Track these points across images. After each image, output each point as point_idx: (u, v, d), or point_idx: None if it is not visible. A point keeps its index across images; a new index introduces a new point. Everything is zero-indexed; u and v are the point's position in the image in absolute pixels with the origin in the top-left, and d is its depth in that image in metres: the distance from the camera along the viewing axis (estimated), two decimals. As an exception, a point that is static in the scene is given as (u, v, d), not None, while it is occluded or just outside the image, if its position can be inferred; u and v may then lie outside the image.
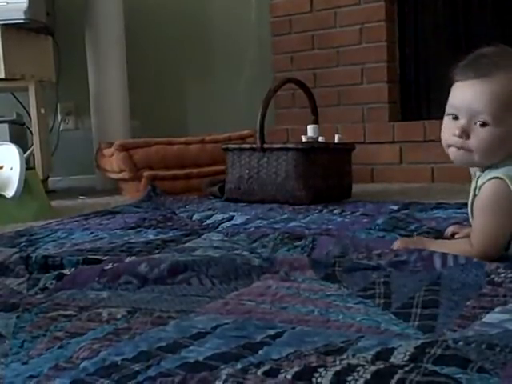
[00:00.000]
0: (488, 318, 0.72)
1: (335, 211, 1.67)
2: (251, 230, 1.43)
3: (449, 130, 1.03)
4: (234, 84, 3.21)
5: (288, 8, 3.08)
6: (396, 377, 0.55)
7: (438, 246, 1.06)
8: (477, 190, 1.01)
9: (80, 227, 1.57)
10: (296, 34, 3.06)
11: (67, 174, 3.16)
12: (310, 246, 1.17)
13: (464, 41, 2.81)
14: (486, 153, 0.99)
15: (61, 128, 3.29)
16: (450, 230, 1.24)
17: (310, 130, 2.06)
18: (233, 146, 2.06)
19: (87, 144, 2.96)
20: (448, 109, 1.04)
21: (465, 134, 0.99)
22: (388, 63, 2.86)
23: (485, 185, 0.99)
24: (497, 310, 0.75)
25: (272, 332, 0.70)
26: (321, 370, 0.58)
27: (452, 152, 1.03)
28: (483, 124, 0.98)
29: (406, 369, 0.57)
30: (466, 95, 1.00)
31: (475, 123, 0.99)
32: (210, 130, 2.76)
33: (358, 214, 1.61)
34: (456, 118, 1.02)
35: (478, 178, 1.02)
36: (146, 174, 2.31)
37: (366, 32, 2.88)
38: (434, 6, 2.86)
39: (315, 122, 2.10)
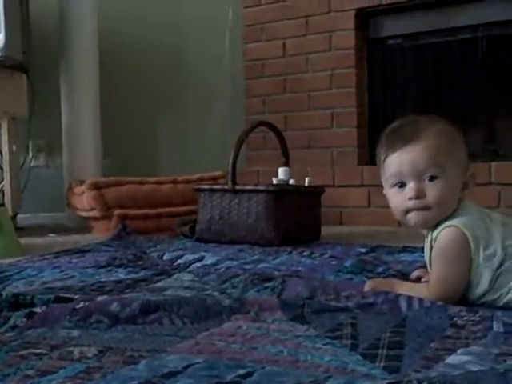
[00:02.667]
0: (451, 359, 0.75)
1: (304, 253, 1.69)
2: (222, 270, 1.45)
3: (401, 199, 1.06)
4: (206, 125, 3.25)
5: (261, 52, 3.15)
6: (362, 416, 0.58)
7: (405, 288, 1.09)
8: (433, 242, 1.05)
9: (50, 265, 1.56)
10: (268, 78, 3.13)
11: (37, 211, 3.14)
12: (280, 287, 1.19)
13: (431, 87, 2.92)
14: (443, 204, 1.04)
15: (31, 165, 3.28)
16: (415, 274, 1.27)
17: (281, 172, 2.10)
18: (204, 186, 2.09)
19: (58, 181, 2.96)
20: (390, 180, 1.08)
21: (421, 193, 1.04)
22: (357, 108, 2.94)
23: (441, 233, 1.03)
24: (459, 351, 0.77)
25: (242, 372, 0.72)
26: (290, 408, 0.60)
27: (412, 217, 1.06)
28: (432, 178, 1.03)
29: (372, 408, 0.59)
30: (405, 161, 1.05)
31: (424, 181, 1.04)
32: (181, 170, 2.78)
33: (326, 256, 1.64)
34: (402, 185, 1.06)
35: (432, 232, 1.06)
36: (116, 212, 2.32)
37: (336, 77, 2.97)
38: (402, 53, 2.97)
39: (286, 164, 2.15)
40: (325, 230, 2.16)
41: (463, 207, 1.06)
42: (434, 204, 1.04)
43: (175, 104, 3.36)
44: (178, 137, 3.32)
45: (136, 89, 3.34)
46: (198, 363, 0.75)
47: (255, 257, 1.66)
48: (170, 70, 3.34)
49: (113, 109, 3.18)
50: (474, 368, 0.71)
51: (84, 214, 2.51)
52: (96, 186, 2.35)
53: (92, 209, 2.38)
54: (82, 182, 2.48)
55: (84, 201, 2.41)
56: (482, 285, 1.02)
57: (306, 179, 2.11)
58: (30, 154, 3.32)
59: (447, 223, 1.03)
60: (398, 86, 2.99)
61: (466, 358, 0.75)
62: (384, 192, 1.13)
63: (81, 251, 1.82)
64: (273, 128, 2.16)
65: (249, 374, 0.71)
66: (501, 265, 1.01)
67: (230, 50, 3.26)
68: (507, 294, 1.01)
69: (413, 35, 2.91)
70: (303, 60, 3.05)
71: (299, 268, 1.47)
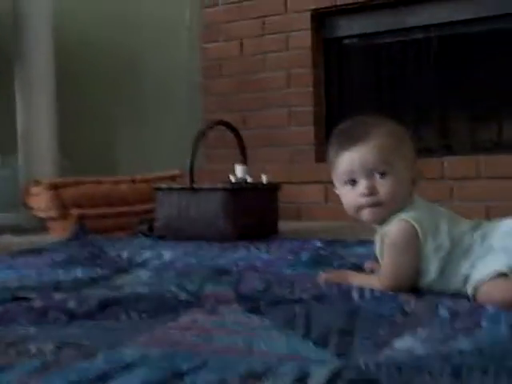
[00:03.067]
0: (398, 344, 0.78)
1: (262, 248, 1.72)
2: (180, 266, 1.46)
3: (353, 196, 1.10)
4: (164, 124, 3.25)
5: (219, 52, 3.17)
6: (311, 397, 0.60)
7: (358, 279, 1.13)
8: (384, 236, 1.09)
9: (5, 265, 1.55)
10: (226, 77, 3.15)
11: (-8, 212, 3.09)
12: (236, 281, 1.21)
13: (386, 85, 2.98)
14: (394, 200, 1.08)
15: (-14, 165, 3.22)
16: (368, 266, 1.31)
17: (239, 170, 2.12)
18: (163, 185, 2.10)
19: (13, 181, 2.92)
20: (342, 178, 1.11)
21: (373, 189, 1.07)
22: (314, 107, 2.98)
23: (391, 226, 1.07)
24: (406, 336, 0.81)
25: (198, 361, 0.73)
26: (243, 393, 0.62)
27: (366, 213, 1.10)
28: (383, 174, 1.07)
29: (321, 390, 0.62)
30: (356, 158, 1.08)
31: (375, 178, 1.08)
32: (140, 169, 2.78)
33: (283, 250, 1.67)
34: (354, 182, 1.10)
35: (383, 226, 1.10)
36: (74, 212, 2.31)
37: (293, 77, 3.01)
38: (357, 52, 3.02)
39: (244, 162, 2.17)
40: (283, 226, 2.19)
41: (412, 202, 1.10)
42: (385, 200, 1.07)
43: (133, 104, 3.35)
44: (136, 136, 3.32)
45: (93, 88, 3.32)
46: (154, 355, 0.77)
47: (213, 253, 1.67)
48: (128, 69, 3.33)
49: (70, 109, 3.16)
50: (420, 351, 0.74)
51: (41, 214, 2.49)
52: (53, 186, 2.33)
53: (49, 209, 2.36)
54: (38, 182, 2.46)
55: (41, 201, 2.39)
56: (431, 274, 1.06)
57: (263, 176, 2.14)
58: (-15, 155, 3.26)
59: (397, 217, 1.07)
60: (353, 85, 3.05)
61: (412, 342, 0.78)
62: (336, 190, 1.16)
63: (38, 251, 1.81)
64: (230, 127, 2.18)
65: (204, 364, 0.72)
66: (448, 255, 1.05)
67: (188, 49, 3.27)
68: (454, 282, 1.05)
69: (368, 35, 2.97)
70: (260, 60, 3.09)
71: (256, 263, 1.49)
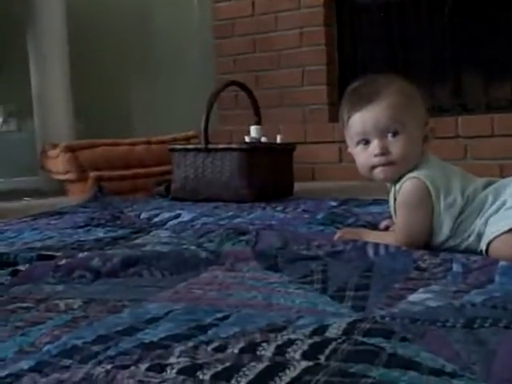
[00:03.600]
0: (412, 297, 0.81)
1: (278, 208, 1.75)
2: (198, 226, 1.49)
3: (366, 156, 1.12)
4: (178, 86, 3.26)
5: (230, 11, 3.15)
6: (330, 347, 0.63)
7: (372, 236, 1.15)
8: (397, 194, 1.11)
9: (29, 227, 1.59)
10: (238, 37, 3.14)
11: (11, 175, 3.14)
12: (254, 239, 1.24)
13: (400, 44, 2.95)
14: (406, 159, 1.09)
15: (2, 130, 3.26)
16: (383, 224, 1.33)
17: (253, 130, 2.13)
18: (178, 146, 2.12)
19: (30, 146, 2.95)
20: (355, 139, 1.13)
21: (385, 149, 1.09)
22: (327, 66, 2.97)
23: (404, 184, 1.09)
24: (420, 290, 0.83)
25: (219, 315, 0.77)
26: (264, 344, 0.65)
27: (379, 172, 1.11)
28: (395, 134, 1.09)
29: (339, 340, 0.65)
30: (368, 119, 1.10)
31: (387, 137, 1.09)
32: (155, 131, 2.80)
33: (299, 210, 1.69)
34: (367, 142, 1.11)
35: (396, 184, 1.12)
36: (92, 174, 2.34)
37: (305, 36, 2.98)
38: (370, 10, 2.99)
39: (258, 123, 2.18)
40: (298, 186, 2.21)
41: (425, 160, 1.11)
42: (397, 159, 1.09)
43: (146, 65, 3.35)
44: (151, 98, 3.33)
45: (106, 51, 3.32)
46: (177, 309, 0.80)
47: (230, 213, 1.70)
48: (139, 31, 3.32)
49: (83, 72, 3.17)
50: (433, 304, 0.77)
51: (59, 176, 2.53)
52: (70, 149, 2.36)
53: (67, 171, 2.40)
54: (55, 146, 2.49)
55: (59, 164, 2.43)
56: (444, 231, 1.08)
57: (278, 136, 2.16)
58: (1, 119, 3.30)
59: (409, 175, 1.09)
60: (366, 44, 3.02)
61: (426, 295, 0.81)
62: (349, 150, 1.18)
63: (58, 213, 1.85)
64: (243, 87, 2.19)
65: (225, 317, 0.76)
66: (461, 213, 1.07)
67: (199, 9, 3.25)
68: (467, 239, 1.07)
69: (381, -8, 2.94)
70: (272, 19, 3.06)
71: (273, 222, 1.52)
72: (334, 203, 1.79)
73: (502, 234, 0.99)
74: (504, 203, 1.06)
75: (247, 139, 2.09)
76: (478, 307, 0.75)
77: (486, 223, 1.05)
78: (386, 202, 1.65)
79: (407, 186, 1.09)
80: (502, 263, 0.89)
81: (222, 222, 1.54)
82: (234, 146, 1.97)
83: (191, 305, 0.82)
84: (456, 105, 2.86)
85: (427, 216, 1.07)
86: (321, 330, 0.69)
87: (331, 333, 0.68)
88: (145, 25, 3.33)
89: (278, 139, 2.15)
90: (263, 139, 2.11)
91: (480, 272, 0.88)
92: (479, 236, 1.06)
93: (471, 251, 1.05)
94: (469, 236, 1.07)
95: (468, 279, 0.88)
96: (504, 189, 1.08)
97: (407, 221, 1.10)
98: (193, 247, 1.21)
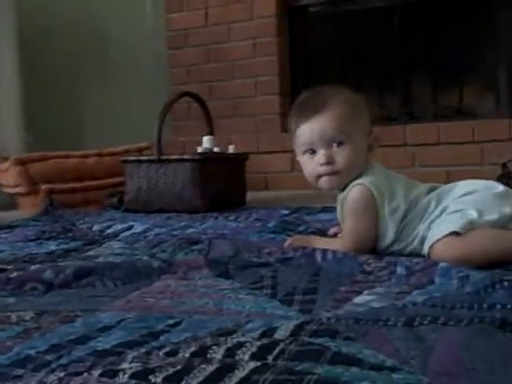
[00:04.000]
0: (357, 299, 0.84)
1: (230, 217, 1.77)
2: (150, 237, 1.50)
3: (313, 165, 1.16)
4: (130, 97, 3.26)
5: (183, 22, 3.17)
6: (278, 348, 0.66)
7: (321, 242, 1.19)
8: (343, 201, 1.16)
9: (-21, 241, 1.57)
10: (192, 48, 3.17)
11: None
12: (207, 248, 1.26)
13: (351, 53, 3.03)
14: (351, 168, 1.14)
15: (-50, 143, 3.19)
16: (332, 231, 1.37)
17: (206, 141, 2.16)
18: (131, 158, 2.12)
19: (-21, 159, 2.90)
20: (302, 148, 1.17)
21: (331, 158, 1.13)
22: (280, 76, 3.02)
23: (350, 191, 1.14)
24: (365, 292, 0.87)
25: (171, 322, 0.78)
26: (214, 347, 0.67)
27: (324, 181, 1.16)
28: (339, 143, 1.13)
29: (287, 342, 0.67)
30: (315, 129, 1.14)
31: (332, 147, 1.13)
32: (107, 143, 2.79)
33: (251, 219, 1.72)
34: (313, 152, 1.15)
35: (343, 191, 1.16)
36: (43, 187, 2.32)
37: (258, 46, 3.03)
38: (322, 20, 3.06)
39: (210, 133, 2.20)
40: (250, 196, 2.24)
41: (369, 167, 1.16)
42: (342, 168, 1.13)
43: (98, 76, 3.33)
44: (103, 110, 3.31)
45: (58, 63, 3.29)
46: (129, 318, 0.81)
47: (183, 223, 1.72)
48: (92, 41, 3.31)
49: (34, 84, 3.13)
50: (377, 305, 0.81)
51: (9, 190, 2.50)
52: (21, 162, 2.34)
53: (17, 185, 2.37)
54: (5, 159, 2.46)
55: (9, 177, 2.40)
56: (389, 236, 1.12)
57: (230, 147, 2.18)
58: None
59: (355, 182, 1.13)
60: (318, 53, 3.09)
61: (370, 297, 0.84)
62: (297, 159, 1.22)
63: (9, 227, 1.83)
64: (196, 98, 2.21)
65: (177, 324, 0.77)
66: (404, 217, 1.12)
67: (153, 20, 3.26)
68: (411, 243, 1.12)
69: (332, 3, 3.01)
70: (225, 29, 3.10)
71: (225, 231, 1.54)
72: (285, 211, 1.83)
73: (444, 237, 1.04)
74: (446, 208, 1.11)
75: (200, 150, 2.11)
76: (419, 306, 0.78)
77: (428, 227, 1.10)
78: (335, 209, 1.70)
79: (353, 192, 1.13)
80: (441, 265, 0.94)
81: (174, 233, 1.55)
82: (186, 156, 1.99)
83: (143, 313, 0.84)
84: (404, 113, 2.95)
85: (373, 222, 1.12)
86: (269, 332, 0.71)
87: (279, 334, 0.70)
88: (98, 36, 3.31)
89: (231, 149, 2.18)
90: (216, 149, 2.13)
91: (422, 274, 0.93)
92: (422, 240, 1.10)
93: (416, 254, 1.09)
94: (413, 240, 1.12)
95: (410, 281, 0.92)
96: (446, 194, 1.13)
97: (354, 227, 1.13)
98: (145, 257, 1.22)
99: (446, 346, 0.64)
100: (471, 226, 1.03)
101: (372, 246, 1.14)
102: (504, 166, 2.12)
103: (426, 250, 1.07)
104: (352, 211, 1.13)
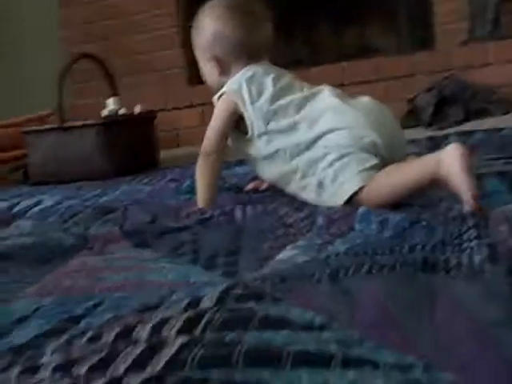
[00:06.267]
0: (281, 255, 0.83)
1: (144, 181, 1.72)
2: (62, 210, 1.43)
3: None
4: (26, 64, 3.08)
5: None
6: (204, 319, 0.64)
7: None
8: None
9: None
10: (86, 5, 3.01)
11: None
12: (122, 217, 1.22)
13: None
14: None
15: None
16: (250, 186, 1.36)
17: (111, 103, 2.07)
18: (32, 128, 2.01)
19: None
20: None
21: None
22: (180, 28, 2.92)
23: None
24: (288, 247, 0.86)
25: (91, 303, 0.75)
26: (139, 326, 0.64)
27: None
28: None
29: (213, 311, 0.65)
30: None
31: None
32: (7, 114, 2.64)
33: (165, 180, 1.68)
34: None
35: None
36: None
37: (155, -1, 2.92)
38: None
39: (115, 94, 2.12)
40: (163, 154, 2.19)
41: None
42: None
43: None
44: (2, 80, 3.13)
45: None
46: (46, 304, 0.77)
47: (95, 192, 1.66)
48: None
49: None
50: (300, 260, 0.80)
51: None
52: None
53: None
54: None
55: None
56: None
57: (136, 106, 2.11)
58: None
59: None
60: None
61: (293, 252, 0.83)
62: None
63: None
64: (95, 59, 2.11)
65: (98, 304, 0.74)
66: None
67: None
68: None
69: None
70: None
71: (140, 196, 1.50)
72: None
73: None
74: (323, 146, 1.09)
75: (105, 113, 2.02)
76: (341, 257, 0.78)
77: (316, 175, 1.08)
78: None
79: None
80: (360, 210, 0.94)
81: (87, 203, 1.49)
82: (90, 121, 1.90)
83: (61, 296, 0.79)
84: (308, 54, 2.95)
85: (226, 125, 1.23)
86: (194, 302, 0.69)
87: (205, 304, 0.68)
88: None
89: (137, 109, 2.11)
90: (122, 111, 2.05)
91: (341, 222, 0.93)
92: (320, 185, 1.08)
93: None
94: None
95: (331, 229, 0.92)
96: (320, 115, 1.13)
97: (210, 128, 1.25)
98: (59, 234, 1.16)
99: (371, 297, 0.64)
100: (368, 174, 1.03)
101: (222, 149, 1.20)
102: (410, 101, 2.16)
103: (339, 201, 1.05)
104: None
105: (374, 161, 1.04)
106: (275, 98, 1.15)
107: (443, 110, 2.09)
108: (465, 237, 0.78)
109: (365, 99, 1.18)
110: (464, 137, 1.70)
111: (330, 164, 1.05)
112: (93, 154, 1.88)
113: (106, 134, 1.88)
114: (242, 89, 1.17)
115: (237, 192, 1.35)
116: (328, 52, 2.93)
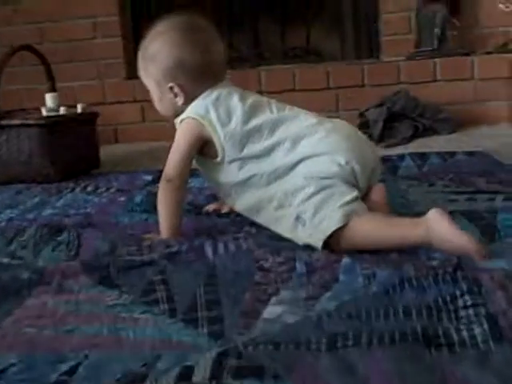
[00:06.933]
0: (267, 312, 0.78)
1: (88, 189, 1.63)
2: (2, 224, 1.32)
3: None
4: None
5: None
6: (203, 402, 0.58)
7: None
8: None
9: None
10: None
11: None
12: (76, 242, 1.13)
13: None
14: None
15: None
16: (211, 207, 1.30)
17: (49, 99, 1.95)
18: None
19: None
20: None
21: None
22: (120, 17, 2.80)
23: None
24: (272, 301, 0.81)
25: (65, 367, 0.68)
26: (130, 409, 0.58)
27: None
28: None
29: (210, 389, 0.60)
30: None
31: None
32: None
33: (113, 190, 1.59)
34: None
35: None
36: None
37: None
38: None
39: (53, 89, 1.99)
40: (102, 151, 2.08)
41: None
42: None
43: None
44: None
45: None
46: (13, 364, 0.69)
47: (36, 199, 1.55)
48: None
49: None
50: (290, 319, 0.75)
51: None
52: None
53: None
54: None
55: None
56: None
57: (79, 106, 1.99)
58: None
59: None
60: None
61: (279, 308, 0.78)
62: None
63: None
64: (36, 53, 1.97)
65: (73, 370, 0.67)
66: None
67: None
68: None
69: None
70: (55, -38, 2.79)
71: (88, 210, 1.41)
72: (147, 177, 1.72)
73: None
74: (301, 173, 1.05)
75: (44, 112, 1.89)
76: (335, 319, 0.74)
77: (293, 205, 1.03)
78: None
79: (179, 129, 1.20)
80: (344, 261, 0.90)
81: (29, 216, 1.38)
82: (30, 121, 1.77)
83: (27, 353, 0.72)
84: (253, 54, 2.90)
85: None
86: (186, 374, 0.64)
87: (198, 377, 0.63)
88: None
89: (79, 108, 1.99)
90: (62, 109, 1.93)
91: (324, 271, 0.89)
92: (297, 219, 1.03)
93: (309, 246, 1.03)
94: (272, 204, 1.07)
95: (312, 278, 0.87)
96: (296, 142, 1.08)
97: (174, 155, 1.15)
98: (6, 260, 1.06)
99: (380, 376, 0.61)
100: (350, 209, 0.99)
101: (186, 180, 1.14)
102: (361, 115, 2.15)
103: (314, 243, 0.99)
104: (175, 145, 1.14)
105: (354, 193, 1.01)
106: (247, 117, 1.10)
107: (393, 126, 2.09)
108: (460, 303, 0.76)
109: (340, 122, 1.15)
110: (419, 161, 1.71)
111: (309, 197, 1.01)
112: (32, 155, 1.74)
113: (47, 134, 1.74)
114: (210, 113, 1.10)
115: (197, 214, 1.28)
116: (273, 51, 2.91)
